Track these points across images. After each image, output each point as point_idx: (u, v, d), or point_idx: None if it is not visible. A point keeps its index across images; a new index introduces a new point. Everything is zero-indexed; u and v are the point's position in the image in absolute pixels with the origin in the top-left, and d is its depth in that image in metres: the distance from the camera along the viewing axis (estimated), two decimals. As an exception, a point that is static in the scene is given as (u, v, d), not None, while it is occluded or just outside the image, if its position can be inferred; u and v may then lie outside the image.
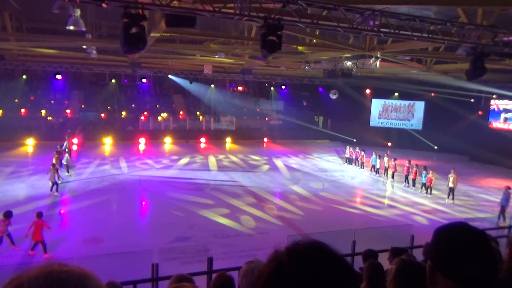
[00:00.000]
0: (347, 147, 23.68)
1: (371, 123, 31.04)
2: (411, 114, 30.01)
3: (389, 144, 28.52)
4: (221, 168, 20.86)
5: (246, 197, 15.24)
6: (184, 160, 21.92)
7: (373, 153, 20.85)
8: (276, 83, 32.31)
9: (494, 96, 25.22)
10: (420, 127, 29.52)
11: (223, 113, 32.58)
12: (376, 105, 30.94)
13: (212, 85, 32.35)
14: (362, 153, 21.92)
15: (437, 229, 1.41)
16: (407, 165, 18.33)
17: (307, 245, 0.96)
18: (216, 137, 30.18)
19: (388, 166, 19.40)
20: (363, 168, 21.65)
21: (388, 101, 30.59)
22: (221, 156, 24.33)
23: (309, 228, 11.50)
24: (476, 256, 1.29)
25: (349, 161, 22.74)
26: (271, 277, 0.93)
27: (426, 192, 16.74)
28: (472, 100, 26.06)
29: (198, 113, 32.86)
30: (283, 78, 30.07)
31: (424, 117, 29.42)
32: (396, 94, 30.13)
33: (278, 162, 23.24)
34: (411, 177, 18.07)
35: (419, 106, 29.60)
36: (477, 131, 25.38)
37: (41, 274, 0.81)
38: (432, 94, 27.72)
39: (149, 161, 22.08)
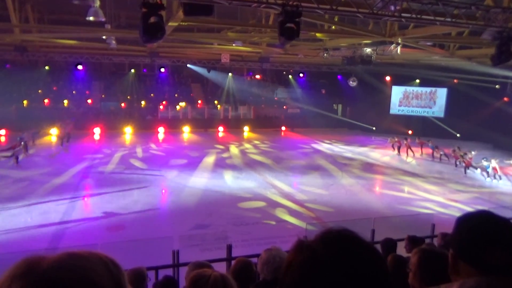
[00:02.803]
0: (389, 138, 24.07)
1: (391, 111, 30.30)
2: (432, 101, 29.17)
3: (410, 132, 27.86)
4: (247, 160, 20.69)
5: (272, 189, 15.16)
6: (211, 157, 21.10)
7: (430, 141, 22.04)
8: (294, 71, 31.88)
9: (520, 81, 24.33)
10: (442, 114, 28.68)
11: (241, 101, 32.50)
12: (397, 92, 30.17)
13: (230, 74, 32.28)
14: (405, 141, 22.21)
15: (459, 218, 1.41)
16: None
17: (339, 234, 0.96)
18: (234, 126, 30.16)
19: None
20: (407, 155, 22.07)
21: (409, 88, 29.75)
22: (246, 145, 24.29)
23: (342, 216, 11.37)
24: (499, 243, 1.28)
25: (398, 149, 22.89)
26: (306, 266, 0.92)
27: (494, 178, 16.95)
28: (497, 86, 25.06)
29: (216, 102, 32.89)
30: (301, 66, 29.63)
31: (446, 104, 28.51)
32: (417, 81, 29.12)
33: (305, 151, 23.11)
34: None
35: (441, 93, 28.72)
36: (502, 118, 24.52)
37: (63, 255, 0.76)
38: (455, 81, 26.71)
39: (170, 150, 22.28)
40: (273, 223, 11.30)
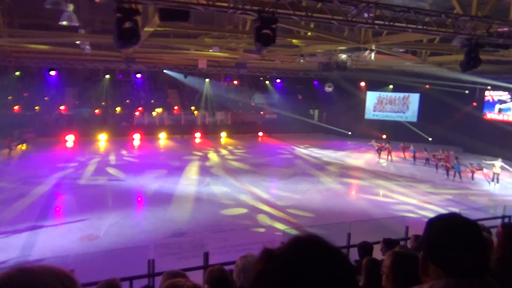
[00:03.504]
0: (373, 140, 24.63)
1: (366, 116, 31.14)
2: (406, 106, 30.23)
3: (384, 136, 28.28)
4: (225, 166, 20.58)
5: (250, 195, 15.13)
6: (189, 164, 21.11)
7: (411, 145, 22.83)
8: (271, 76, 32.09)
9: (488, 87, 25.20)
10: (415, 119, 29.68)
11: (218, 107, 32.43)
12: (371, 97, 31.02)
13: (207, 79, 32.15)
14: (387, 144, 23.06)
15: (429, 220, 1.46)
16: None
17: (309, 241, 0.97)
18: (212, 132, 30.05)
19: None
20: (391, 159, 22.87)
21: (383, 94, 30.69)
22: (224, 152, 24.26)
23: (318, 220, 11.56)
24: (466, 245, 1.32)
25: (379, 153, 23.54)
26: (279, 275, 0.91)
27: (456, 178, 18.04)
28: (466, 91, 26.18)
29: (193, 107, 32.64)
30: (278, 72, 29.73)
31: (419, 109, 29.59)
32: (391, 86, 30.16)
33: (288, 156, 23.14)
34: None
35: (414, 98, 29.80)
36: (471, 122, 25.60)
37: (13, 271, 0.77)
38: (427, 86, 27.63)
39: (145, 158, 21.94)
40: (262, 230, 11.30)
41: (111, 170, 18.30)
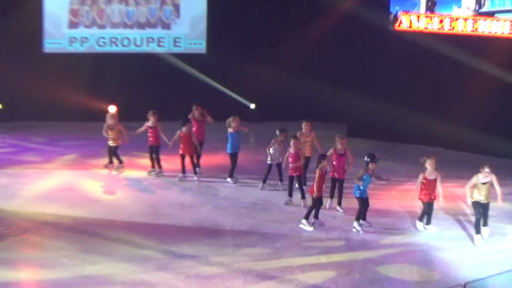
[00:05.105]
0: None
1: (48, 46, 26.18)
2: (170, 6, 26.15)
3: (112, 108, 22.47)
4: None
5: None
6: None
7: (233, 119, 21.29)
8: None
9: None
10: (202, 45, 26.67)
11: None
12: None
13: None
14: (182, 129, 21.91)
15: None
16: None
17: None
18: None
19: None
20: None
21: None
22: None
23: None
24: None
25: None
26: None
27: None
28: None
29: None
30: None
31: (209, 16, 26.45)
32: None
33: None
34: None
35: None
36: (309, 47, 25.48)
37: None
38: None
39: None
40: None
41: None
